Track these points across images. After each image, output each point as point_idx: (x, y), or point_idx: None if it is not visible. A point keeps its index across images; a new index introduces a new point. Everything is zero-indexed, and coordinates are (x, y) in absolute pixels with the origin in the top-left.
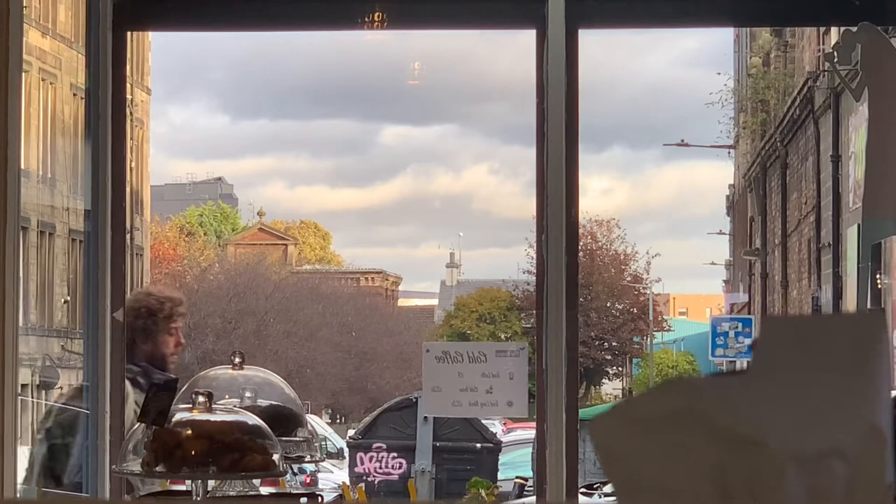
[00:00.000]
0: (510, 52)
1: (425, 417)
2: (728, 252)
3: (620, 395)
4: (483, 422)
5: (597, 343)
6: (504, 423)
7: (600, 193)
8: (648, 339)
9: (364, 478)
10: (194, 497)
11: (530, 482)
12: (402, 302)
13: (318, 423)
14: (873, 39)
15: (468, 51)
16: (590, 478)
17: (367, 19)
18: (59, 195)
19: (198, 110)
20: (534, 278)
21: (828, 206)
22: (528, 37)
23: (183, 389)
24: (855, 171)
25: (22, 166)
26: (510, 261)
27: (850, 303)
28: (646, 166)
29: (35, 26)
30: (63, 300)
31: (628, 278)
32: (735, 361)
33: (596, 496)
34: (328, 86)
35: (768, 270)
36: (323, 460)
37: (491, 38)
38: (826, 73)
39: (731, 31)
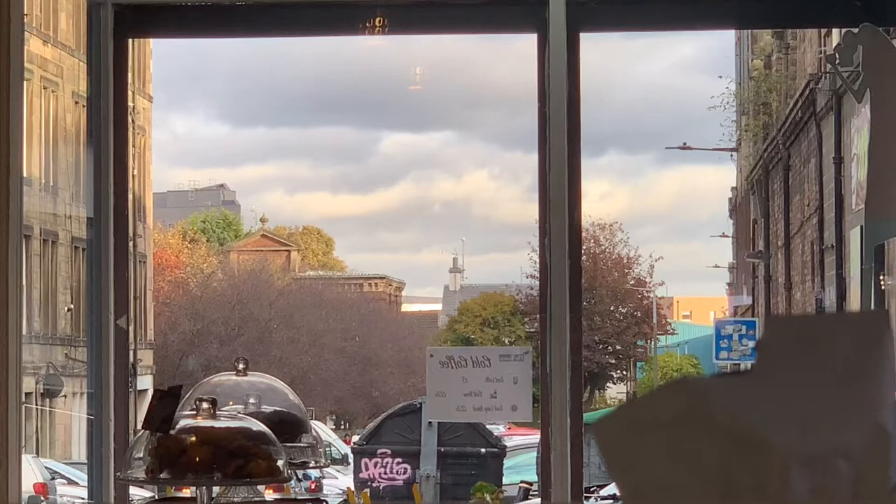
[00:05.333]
0: (509, 57)
1: (430, 423)
2: (731, 255)
3: (625, 399)
4: (487, 426)
5: (601, 347)
6: (507, 428)
7: (599, 198)
8: (652, 342)
9: (369, 483)
10: (199, 503)
11: (535, 486)
12: (405, 307)
13: (322, 429)
14: (875, 40)
15: (466, 57)
16: (594, 481)
17: (367, 24)
18: (62, 203)
19: (199, 117)
20: (537, 282)
21: (830, 207)
22: (527, 42)
23: (187, 396)
24: (857, 172)
25: (24, 174)
26: (513, 265)
27: (853, 304)
28: (645, 170)
29: (36, 34)
30: (66, 308)
31: (632, 282)
32: (739, 364)
33: (593, 499)
34: (328, 93)
35: (772, 273)
36: (327, 466)
37: (489, 44)
38: (828, 74)
39: (733, 33)
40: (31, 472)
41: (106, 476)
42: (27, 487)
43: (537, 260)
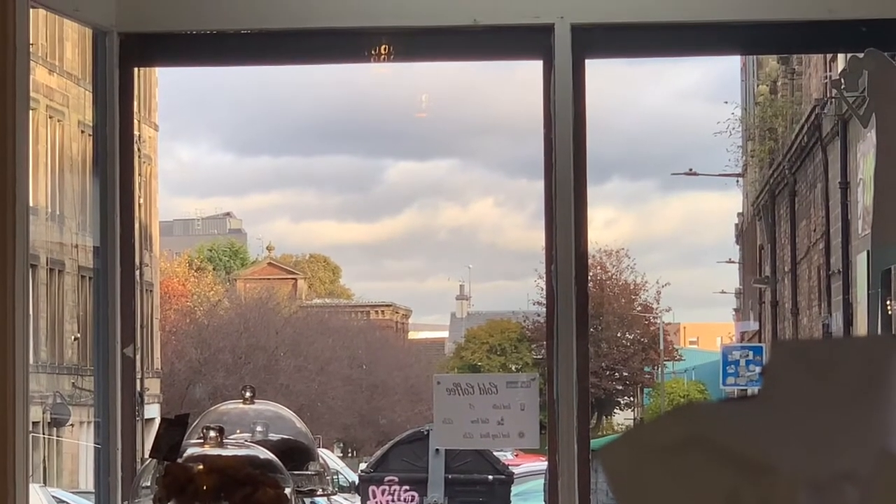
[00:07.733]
0: (514, 84)
1: (437, 450)
2: (738, 280)
3: (632, 425)
4: (495, 453)
5: (608, 373)
6: (515, 455)
7: (605, 224)
8: (659, 368)
9: None
10: None
11: None
12: (412, 335)
13: (329, 457)
14: (880, 65)
15: (471, 84)
16: None
17: (373, 52)
18: (68, 232)
19: (204, 146)
20: (544, 309)
21: (837, 232)
22: (532, 68)
23: (194, 424)
24: (864, 197)
25: (30, 203)
26: (520, 292)
27: (860, 329)
28: (651, 196)
29: (42, 64)
30: (73, 337)
31: (638, 308)
32: (746, 390)
33: None
34: (333, 122)
35: (778, 298)
36: (335, 493)
37: (494, 71)
38: (833, 99)
39: (738, 59)
40: (38, 501)
41: None
42: None
43: (544, 287)
